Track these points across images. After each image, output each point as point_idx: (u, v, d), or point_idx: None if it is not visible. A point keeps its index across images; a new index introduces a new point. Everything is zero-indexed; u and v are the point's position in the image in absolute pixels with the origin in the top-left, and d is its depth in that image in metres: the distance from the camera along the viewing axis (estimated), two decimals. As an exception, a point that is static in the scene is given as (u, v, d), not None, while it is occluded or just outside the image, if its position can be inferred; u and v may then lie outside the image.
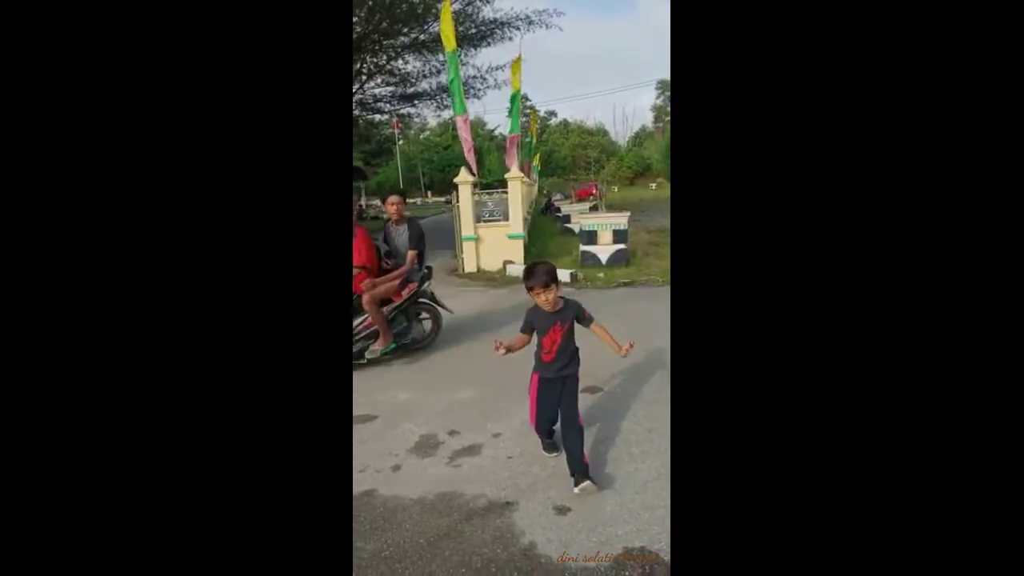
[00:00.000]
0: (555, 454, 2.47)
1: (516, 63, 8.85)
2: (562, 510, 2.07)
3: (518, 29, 12.81)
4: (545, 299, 2.22)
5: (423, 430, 2.84)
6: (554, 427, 2.43)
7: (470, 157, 7.90)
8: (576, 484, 2.11)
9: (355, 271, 3.76)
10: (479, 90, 14.33)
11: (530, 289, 2.25)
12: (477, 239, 8.12)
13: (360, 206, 21.25)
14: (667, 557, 1.77)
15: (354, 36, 10.52)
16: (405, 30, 12.38)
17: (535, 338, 2.33)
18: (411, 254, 4.00)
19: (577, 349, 2.35)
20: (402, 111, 17.33)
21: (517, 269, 7.55)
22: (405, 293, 3.98)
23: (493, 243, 8.12)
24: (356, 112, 14.68)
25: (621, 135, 51.58)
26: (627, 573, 1.72)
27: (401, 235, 4.13)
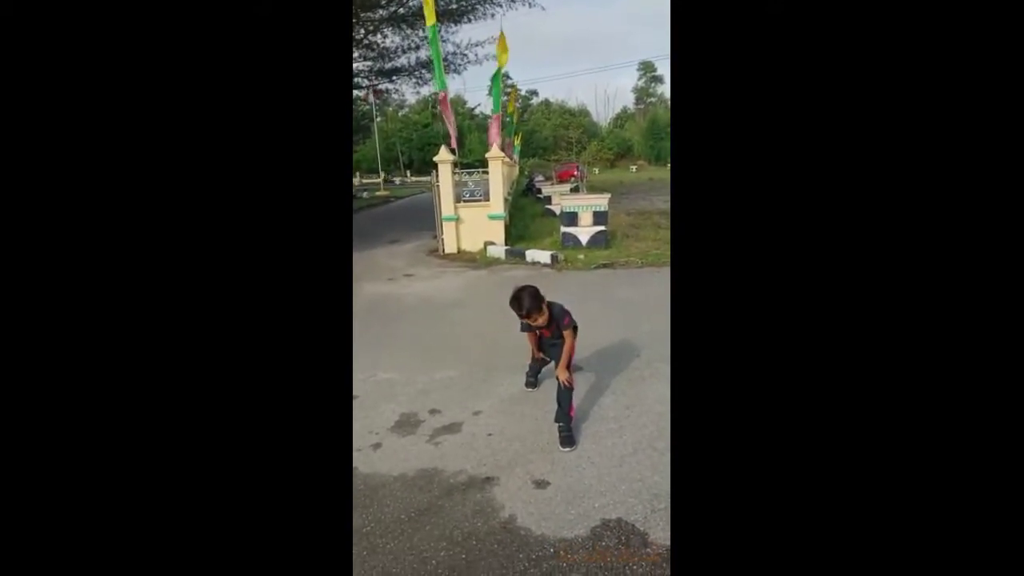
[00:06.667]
0: (531, 390, 2.98)
1: (502, 39, 8.67)
2: (541, 484, 2.11)
3: (500, 6, 12.55)
4: (534, 323, 2.48)
5: (404, 409, 2.85)
6: (541, 372, 3.02)
7: (451, 131, 7.80)
8: (562, 444, 2.40)
9: None
10: (459, 66, 14.07)
11: (519, 317, 2.50)
12: (457, 219, 8.05)
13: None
14: (643, 527, 1.84)
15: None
16: (383, 2, 12.01)
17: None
18: None
19: (567, 326, 2.53)
20: (380, 87, 16.90)
21: (498, 250, 7.54)
22: None
23: (473, 223, 8.07)
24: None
25: (602, 116, 51.42)
26: (604, 543, 1.77)
27: None
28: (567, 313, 2.53)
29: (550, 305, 2.48)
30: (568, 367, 2.47)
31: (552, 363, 2.71)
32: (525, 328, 2.63)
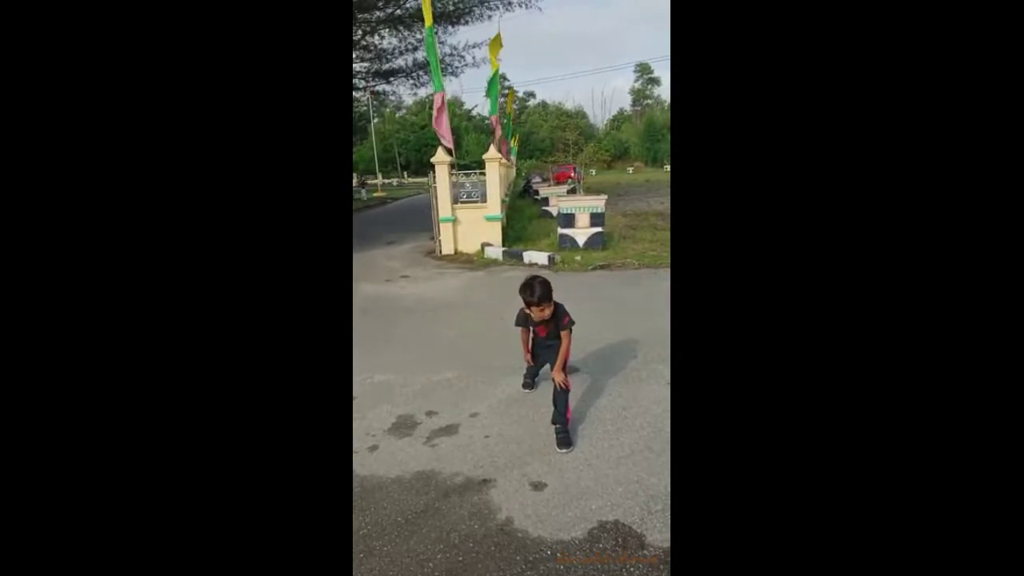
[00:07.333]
0: (527, 391, 2.97)
1: (494, 41, 8.67)
2: (538, 486, 2.11)
3: (497, 8, 12.58)
4: (539, 315, 2.47)
5: (400, 411, 2.84)
6: (538, 375, 2.99)
7: (446, 134, 7.80)
8: (559, 445, 2.39)
9: None
10: (456, 68, 14.11)
11: (526, 304, 2.49)
12: (455, 220, 8.05)
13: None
14: (640, 529, 1.83)
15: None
16: (380, 3, 12.02)
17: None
18: None
19: (566, 326, 2.54)
20: (377, 88, 16.93)
21: (495, 251, 7.53)
22: None
23: (471, 225, 8.07)
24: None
25: (599, 118, 51.59)
26: (601, 545, 1.77)
27: None
28: (567, 313, 2.54)
29: (555, 306, 2.50)
30: (564, 368, 2.47)
31: (548, 365, 2.71)
32: (521, 323, 2.64)
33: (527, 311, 2.54)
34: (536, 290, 2.40)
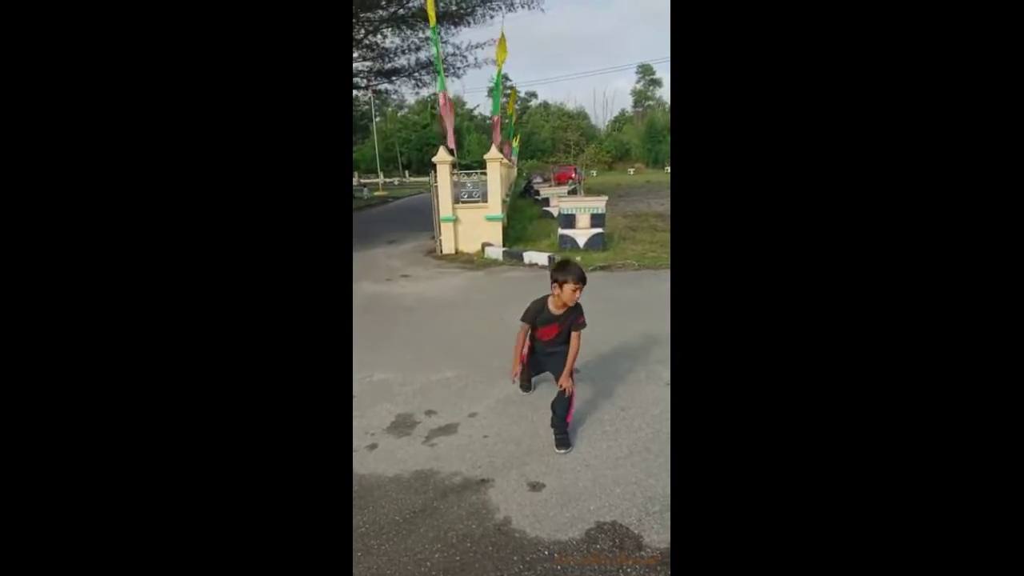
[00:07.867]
0: (526, 392, 2.92)
1: (501, 42, 8.68)
2: (536, 486, 2.11)
3: (499, 9, 12.59)
4: (570, 295, 2.29)
5: (400, 409, 2.84)
6: (534, 379, 2.89)
7: (449, 134, 7.81)
8: (557, 446, 2.37)
9: None
10: (459, 69, 14.12)
11: (560, 282, 2.29)
12: (455, 220, 8.05)
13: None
14: (637, 530, 1.84)
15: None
16: (383, 3, 12.03)
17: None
18: None
19: (580, 325, 2.44)
20: (379, 87, 16.95)
21: (495, 251, 7.54)
22: None
23: (471, 225, 8.07)
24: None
25: (601, 119, 51.59)
26: (598, 545, 1.77)
27: None
28: (583, 312, 2.42)
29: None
30: (571, 374, 2.38)
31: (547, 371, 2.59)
32: (531, 317, 2.42)
33: (550, 298, 2.36)
34: (574, 268, 2.29)
